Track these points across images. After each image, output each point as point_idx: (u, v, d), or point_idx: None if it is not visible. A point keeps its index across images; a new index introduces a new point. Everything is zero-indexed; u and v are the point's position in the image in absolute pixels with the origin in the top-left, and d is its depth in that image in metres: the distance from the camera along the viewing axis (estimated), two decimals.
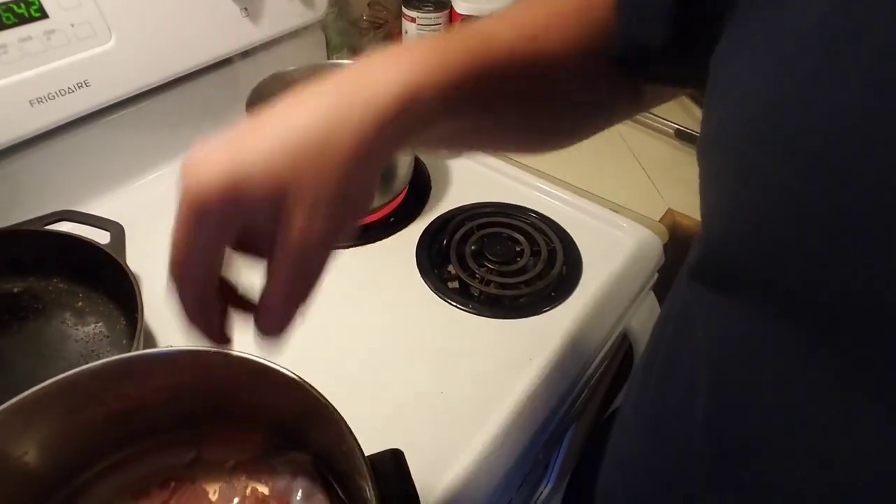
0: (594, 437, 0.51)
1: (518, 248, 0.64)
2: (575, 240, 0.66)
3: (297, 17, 0.76)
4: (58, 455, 0.36)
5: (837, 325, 0.21)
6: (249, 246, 0.26)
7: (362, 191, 0.25)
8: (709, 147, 0.26)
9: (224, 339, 0.28)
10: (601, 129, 0.40)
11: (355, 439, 0.32)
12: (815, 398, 0.23)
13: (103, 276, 0.53)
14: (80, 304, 0.55)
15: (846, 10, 0.19)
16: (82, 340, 0.53)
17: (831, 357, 0.22)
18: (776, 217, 0.22)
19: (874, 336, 0.20)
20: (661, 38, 0.30)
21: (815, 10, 0.20)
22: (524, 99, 0.32)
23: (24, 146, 0.58)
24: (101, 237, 0.54)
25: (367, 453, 0.32)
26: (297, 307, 0.26)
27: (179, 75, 0.67)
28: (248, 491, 0.38)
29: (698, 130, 0.28)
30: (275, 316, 0.26)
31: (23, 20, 0.53)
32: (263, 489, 0.38)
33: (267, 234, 0.24)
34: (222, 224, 0.23)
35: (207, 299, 0.26)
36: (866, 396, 0.21)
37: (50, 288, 0.56)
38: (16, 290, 0.55)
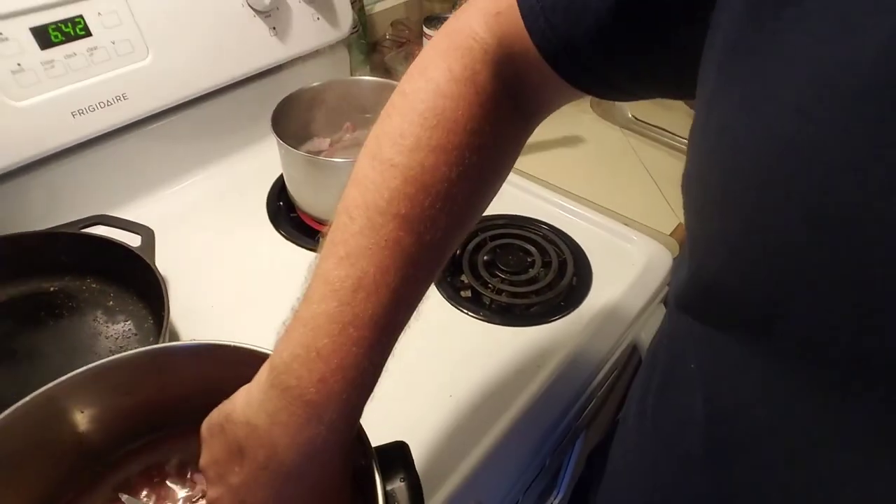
0: (598, 449, 0.52)
1: (529, 259, 0.66)
2: (586, 252, 0.67)
3: (322, 36, 0.80)
4: (105, 429, 0.39)
5: (841, 365, 0.21)
6: None
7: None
8: (691, 178, 0.25)
9: None
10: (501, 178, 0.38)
11: (362, 429, 0.34)
12: (818, 439, 0.23)
13: (133, 277, 0.56)
14: (111, 303, 0.58)
15: (833, 44, 0.17)
16: (112, 337, 0.56)
17: (835, 398, 0.21)
18: (765, 257, 0.21)
19: (881, 377, 0.19)
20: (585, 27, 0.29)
21: (803, 45, 0.18)
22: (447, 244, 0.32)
23: (65, 154, 0.62)
24: (133, 240, 0.58)
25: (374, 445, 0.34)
26: None
27: (211, 90, 0.71)
28: None
29: None
30: None
31: (69, 38, 0.57)
32: None
33: None
34: None
35: None
36: (877, 441, 0.21)
37: (84, 287, 0.59)
38: (52, 288, 0.59)
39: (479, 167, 0.31)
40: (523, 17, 0.30)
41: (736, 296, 0.24)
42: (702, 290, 0.27)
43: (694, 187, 0.25)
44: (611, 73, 0.30)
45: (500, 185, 0.36)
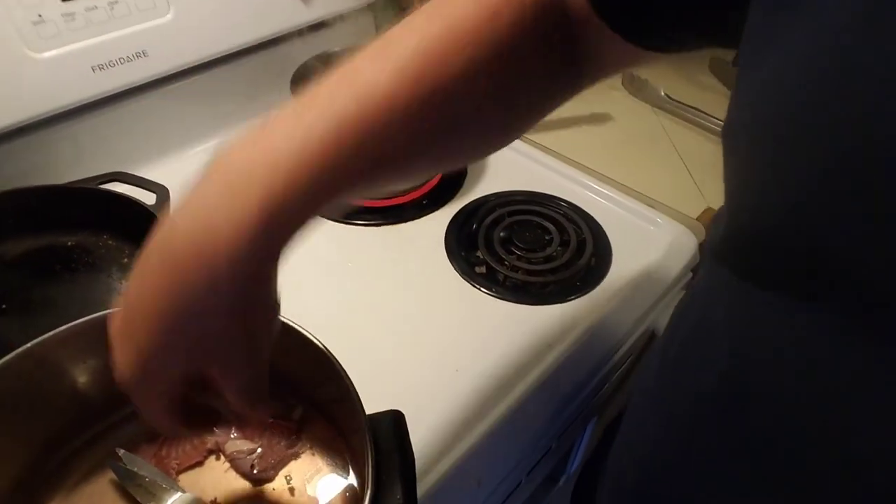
0: (608, 431, 0.51)
1: (547, 237, 0.64)
2: (606, 232, 0.65)
3: (347, 0, 0.78)
4: (107, 384, 0.39)
5: (879, 310, 0.20)
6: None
7: (261, 305, 0.27)
8: (740, 121, 0.25)
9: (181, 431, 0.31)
10: (537, 120, 0.36)
11: (358, 397, 0.33)
12: (845, 388, 0.22)
13: (148, 234, 0.56)
14: (126, 260, 0.58)
15: None
16: None
17: (868, 345, 0.21)
18: (816, 202, 0.20)
19: None
20: None
21: None
22: (442, 124, 0.29)
23: (85, 110, 0.62)
24: (148, 198, 0.58)
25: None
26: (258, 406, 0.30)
27: (232, 51, 0.70)
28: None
29: None
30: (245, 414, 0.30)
31: None
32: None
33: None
34: (153, 389, 0.28)
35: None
36: None
37: (100, 244, 0.60)
38: (69, 243, 0.59)
39: (492, 89, 0.30)
40: None
41: (775, 239, 0.23)
42: (740, 236, 0.26)
43: (737, 131, 0.24)
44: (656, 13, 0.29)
45: (505, 135, 0.34)
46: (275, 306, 0.28)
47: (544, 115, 0.35)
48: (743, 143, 0.24)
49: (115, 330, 0.27)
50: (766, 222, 0.24)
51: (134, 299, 0.26)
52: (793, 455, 0.25)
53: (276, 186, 0.24)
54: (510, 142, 0.35)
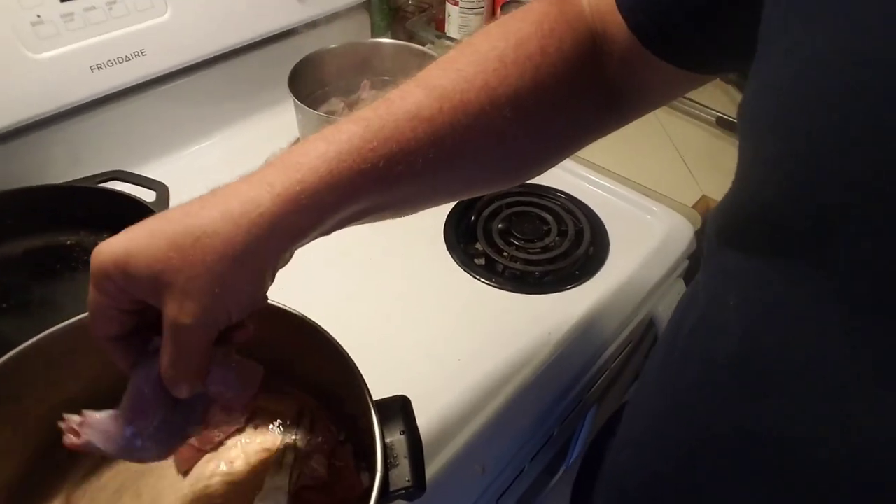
0: (609, 424, 0.51)
1: (545, 227, 0.65)
2: (604, 222, 0.66)
3: None
4: (95, 385, 0.39)
5: (891, 294, 0.20)
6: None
7: (237, 291, 0.27)
8: (749, 104, 0.25)
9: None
10: (575, 149, 0.39)
11: (364, 383, 0.34)
12: (858, 375, 0.22)
13: None
14: None
15: None
16: None
17: (881, 331, 0.21)
18: (835, 179, 0.20)
19: None
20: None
21: None
22: (473, 153, 0.32)
23: (84, 109, 0.62)
24: (148, 196, 0.58)
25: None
26: (183, 379, 0.29)
27: (229, 50, 0.70)
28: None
29: None
30: (169, 382, 0.29)
31: None
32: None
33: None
34: (115, 293, 0.27)
35: (115, 346, 0.30)
36: None
37: (99, 242, 0.60)
38: (69, 242, 0.59)
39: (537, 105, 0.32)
40: None
41: (789, 220, 0.24)
42: (752, 217, 0.27)
43: (752, 112, 0.25)
44: (698, 41, 0.31)
45: (532, 165, 0.37)
46: (250, 299, 0.29)
47: (578, 147, 0.39)
48: (755, 121, 0.25)
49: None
50: (778, 196, 0.24)
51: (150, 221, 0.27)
52: (806, 449, 0.25)
53: (303, 180, 0.27)
54: (539, 172, 0.38)
